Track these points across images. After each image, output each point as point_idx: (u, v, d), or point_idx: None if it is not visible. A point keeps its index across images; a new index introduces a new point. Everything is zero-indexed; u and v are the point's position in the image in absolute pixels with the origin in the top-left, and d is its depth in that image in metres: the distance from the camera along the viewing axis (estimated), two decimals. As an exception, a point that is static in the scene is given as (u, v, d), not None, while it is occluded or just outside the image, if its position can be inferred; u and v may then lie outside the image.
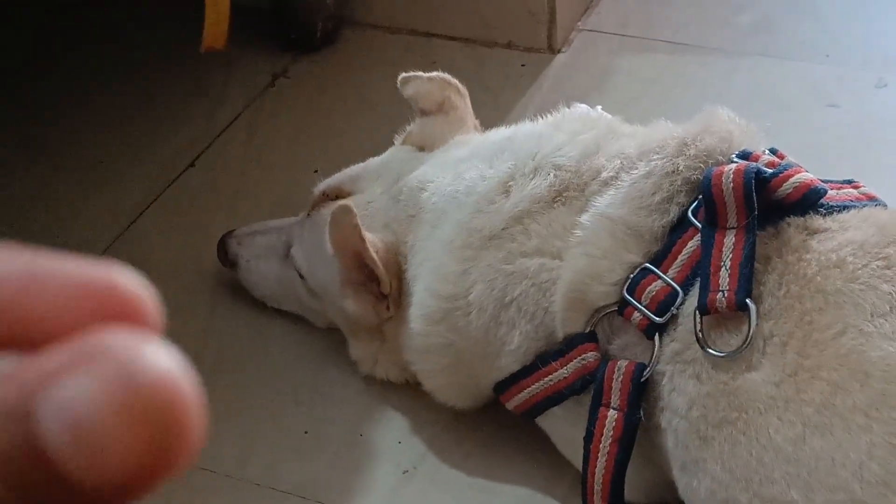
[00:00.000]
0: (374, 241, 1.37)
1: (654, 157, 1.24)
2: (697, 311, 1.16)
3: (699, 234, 1.19)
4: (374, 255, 1.36)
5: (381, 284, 1.39)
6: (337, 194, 1.50)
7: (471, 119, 1.54)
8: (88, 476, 0.26)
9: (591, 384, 1.24)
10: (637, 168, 1.25)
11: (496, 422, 1.42)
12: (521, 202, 1.30)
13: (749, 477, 1.10)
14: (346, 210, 1.34)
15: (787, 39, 2.08)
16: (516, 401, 1.33)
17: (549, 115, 1.44)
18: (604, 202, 1.25)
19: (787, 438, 1.08)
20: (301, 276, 1.52)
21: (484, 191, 1.34)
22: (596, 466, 1.22)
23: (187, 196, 1.88)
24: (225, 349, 1.60)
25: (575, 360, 1.25)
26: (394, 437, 1.46)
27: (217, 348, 1.60)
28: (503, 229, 1.31)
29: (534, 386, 1.30)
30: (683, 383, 1.17)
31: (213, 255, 1.74)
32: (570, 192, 1.29)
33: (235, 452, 1.45)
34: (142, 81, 2.15)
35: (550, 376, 1.28)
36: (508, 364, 1.32)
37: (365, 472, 1.42)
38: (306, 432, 1.47)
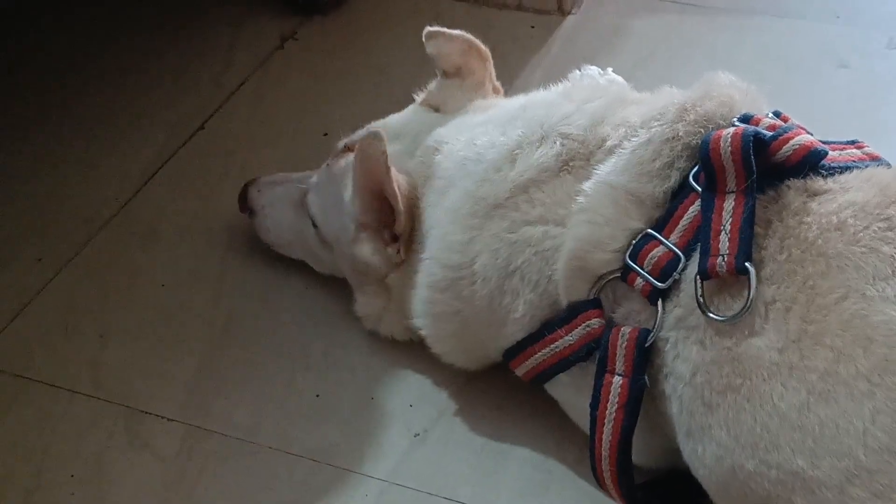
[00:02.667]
0: (397, 176, 1.38)
1: (654, 124, 1.24)
2: (698, 276, 1.15)
3: (700, 199, 1.18)
4: (396, 188, 1.37)
5: (396, 222, 1.40)
6: None
7: (490, 83, 1.54)
8: None
9: (596, 350, 1.24)
10: (638, 135, 1.24)
11: (508, 385, 1.43)
12: (527, 171, 1.30)
13: (754, 443, 1.10)
14: (377, 136, 1.35)
15: (797, 0, 2.07)
16: (524, 368, 1.34)
17: (561, 83, 1.43)
18: (605, 170, 1.24)
19: (792, 405, 1.08)
20: (314, 225, 1.53)
21: (492, 159, 1.34)
22: (603, 432, 1.22)
23: (197, 159, 1.88)
24: (236, 314, 1.60)
25: (580, 328, 1.26)
26: (405, 400, 1.46)
27: (228, 313, 1.60)
28: (508, 198, 1.31)
29: (540, 353, 1.30)
30: (687, 350, 1.17)
31: (224, 219, 1.74)
32: (577, 161, 1.29)
33: (248, 416, 1.45)
34: (150, 45, 2.14)
35: (556, 343, 1.28)
36: (514, 332, 1.32)
37: (377, 435, 1.42)
38: (318, 396, 1.48)
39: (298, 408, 1.46)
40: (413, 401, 1.46)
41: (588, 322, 1.25)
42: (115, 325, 1.60)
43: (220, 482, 1.38)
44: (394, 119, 1.55)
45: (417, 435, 1.42)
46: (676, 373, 1.18)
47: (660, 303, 1.19)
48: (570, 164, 1.29)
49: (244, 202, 1.65)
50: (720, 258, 1.14)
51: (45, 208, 1.81)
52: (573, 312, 1.26)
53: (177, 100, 1.99)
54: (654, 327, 1.20)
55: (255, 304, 1.62)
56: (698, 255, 1.16)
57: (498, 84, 1.56)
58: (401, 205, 1.39)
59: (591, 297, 1.24)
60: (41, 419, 1.48)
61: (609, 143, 1.28)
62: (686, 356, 1.17)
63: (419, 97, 1.57)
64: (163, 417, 1.46)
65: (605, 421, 1.22)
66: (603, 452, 1.23)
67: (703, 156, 1.17)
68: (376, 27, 2.12)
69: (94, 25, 2.19)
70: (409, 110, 1.55)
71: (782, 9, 2.05)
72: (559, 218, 1.27)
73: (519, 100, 1.46)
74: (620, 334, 1.21)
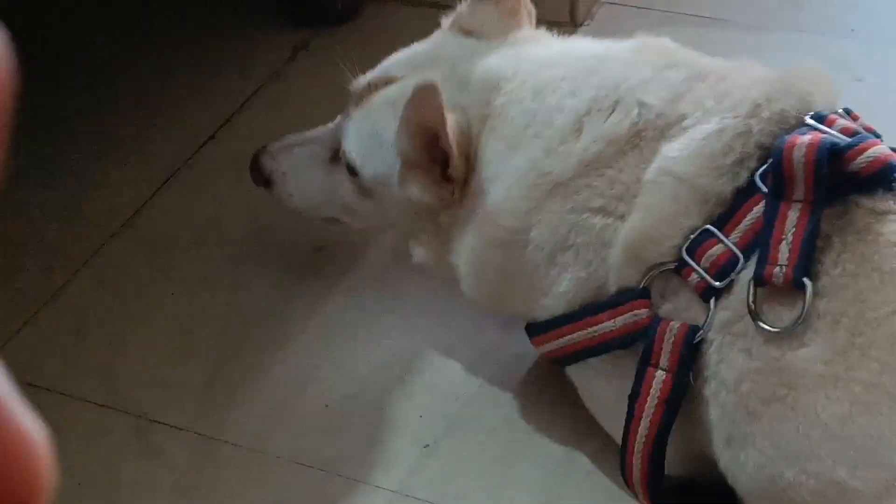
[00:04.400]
0: (451, 120, 1.28)
1: (728, 116, 1.20)
2: (752, 282, 1.14)
3: (764, 201, 1.16)
4: (452, 137, 1.28)
5: (451, 168, 1.31)
6: (388, 81, 1.41)
7: (524, 8, 1.44)
8: None
9: (637, 341, 1.22)
10: (710, 122, 1.21)
11: (519, 397, 1.42)
12: (593, 144, 1.25)
13: (796, 453, 1.10)
14: (433, 88, 1.25)
15: (813, 14, 2.06)
16: (553, 345, 1.31)
17: (627, 39, 1.37)
18: (674, 155, 1.20)
19: (835, 416, 1.08)
20: (353, 174, 1.42)
21: (560, 125, 1.27)
22: (639, 426, 1.20)
23: (208, 169, 1.88)
24: (247, 323, 1.60)
25: (626, 315, 1.23)
26: (415, 411, 1.46)
27: (239, 322, 1.60)
28: (571, 178, 1.26)
29: (576, 334, 1.27)
30: (733, 356, 1.15)
31: (235, 228, 1.74)
32: (649, 132, 1.24)
33: (259, 426, 1.45)
34: (162, 55, 2.14)
35: (596, 327, 1.25)
36: (553, 305, 1.29)
37: (386, 446, 1.42)
38: (327, 406, 1.47)
39: (309, 418, 1.46)
40: (422, 411, 1.46)
41: (636, 311, 1.22)
42: (126, 333, 1.60)
43: (231, 492, 1.38)
44: (420, 47, 1.45)
45: (427, 446, 1.42)
46: (720, 378, 1.17)
47: (712, 301, 1.17)
48: (642, 134, 1.24)
49: (259, 173, 1.53)
50: (778, 268, 1.12)
51: (56, 217, 1.81)
52: (621, 299, 1.23)
53: (189, 110, 1.99)
54: (703, 324, 1.17)
55: (266, 313, 1.61)
56: (755, 260, 1.14)
57: (532, 7, 1.45)
58: (456, 151, 1.29)
59: (642, 286, 1.22)
60: (52, 428, 1.46)
61: (686, 122, 1.22)
62: (731, 363, 1.15)
63: (445, 21, 1.46)
64: (174, 426, 1.46)
65: (644, 415, 1.20)
66: (636, 446, 1.21)
67: (775, 162, 1.14)
68: (388, 39, 2.11)
69: (107, 36, 2.19)
70: (438, 35, 1.45)
71: (798, 23, 2.05)
72: (620, 212, 1.23)
73: (593, 47, 1.37)
74: (669, 328, 1.19)
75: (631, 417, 1.21)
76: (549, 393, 1.45)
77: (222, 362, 1.54)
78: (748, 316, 1.14)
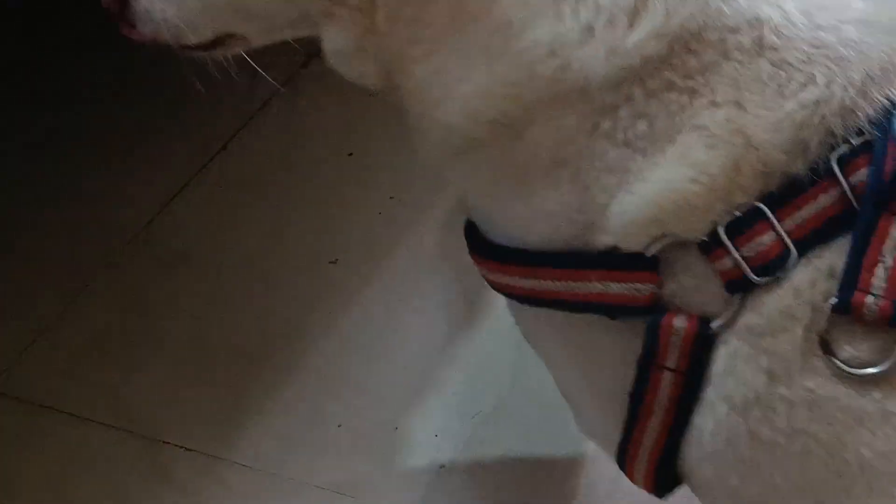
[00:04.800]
0: None
1: (822, 73, 0.95)
2: (832, 308, 0.94)
3: (835, 190, 0.94)
4: None
5: None
6: None
7: None
8: None
9: (619, 316, 1.00)
10: (801, 70, 0.95)
11: (536, 416, 1.40)
12: (650, 41, 0.95)
13: (820, 488, 1.04)
14: None
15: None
16: (510, 280, 1.05)
17: None
18: (758, 112, 0.95)
19: (879, 453, 1.00)
20: None
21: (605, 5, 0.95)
22: (645, 432, 1.04)
23: (220, 179, 1.86)
24: (259, 342, 1.58)
25: (623, 284, 1.00)
26: (430, 430, 1.44)
27: (251, 341, 1.58)
28: (601, 88, 0.97)
29: (549, 282, 1.03)
30: (749, 373, 0.98)
31: (247, 242, 1.72)
32: (737, 57, 0.96)
33: (272, 448, 1.43)
34: (172, 64, 2.12)
35: (579, 283, 1.01)
36: (528, 233, 1.03)
37: (401, 466, 1.40)
38: (340, 426, 1.45)
39: (323, 439, 1.44)
40: (438, 430, 1.43)
41: (638, 284, 0.99)
42: (137, 353, 1.58)
43: (243, 515, 1.36)
44: None
45: (443, 466, 1.39)
46: (723, 390, 1.00)
47: (738, 297, 0.97)
48: (730, 55, 0.96)
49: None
50: (871, 297, 0.93)
51: (66, 234, 1.80)
52: (620, 262, 1.00)
53: (199, 120, 1.98)
54: (720, 321, 0.97)
55: (279, 331, 1.59)
56: (814, 262, 0.94)
57: None
58: None
59: (651, 254, 0.98)
60: (61, 448, 1.46)
61: (793, 75, 0.96)
62: (743, 379, 0.98)
63: None
64: (184, 448, 1.44)
65: (651, 420, 1.03)
66: (642, 452, 1.05)
67: (878, 158, 0.94)
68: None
69: (116, 45, 2.17)
70: None
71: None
72: (643, 145, 0.98)
73: None
74: (674, 325, 0.98)
75: (634, 420, 1.04)
76: (567, 412, 1.42)
77: (233, 382, 1.52)
78: (788, 333, 0.96)
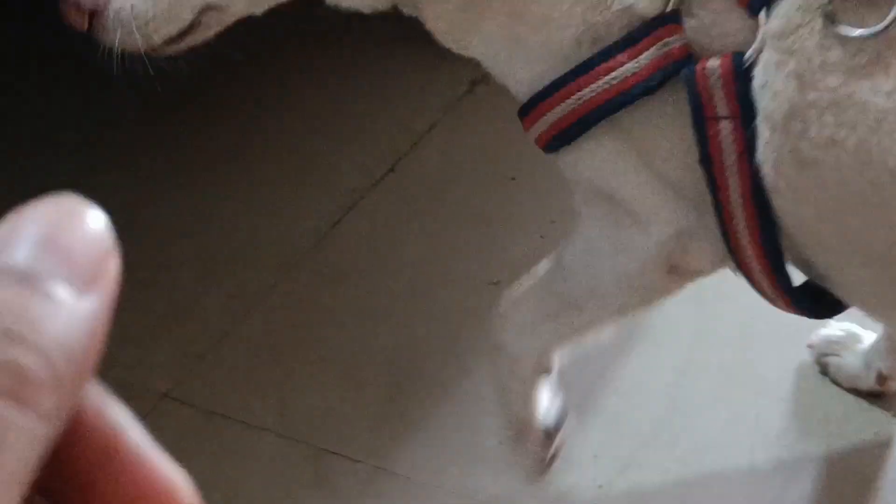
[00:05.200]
0: None
1: None
2: None
3: None
4: None
5: None
6: None
7: None
8: None
9: (668, 79, 0.98)
10: None
11: (693, 440, 1.39)
12: None
13: (860, 201, 0.95)
14: None
15: None
16: (557, 113, 1.04)
17: None
18: None
19: None
20: None
21: None
22: (729, 191, 0.99)
23: (387, 201, 1.90)
24: (419, 356, 1.61)
25: (652, 49, 0.98)
26: (589, 450, 1.44)
27: (411, 354, 1.61)
28: None
29: (588, 89, 1.00)
30: (780, 81, 0.95)
31: (411, 260, 1.75)
32: None
33: (431, 460, 1.45)
34: (340, 88, 2.18)
35: (614, 73, 0.99)
36: (554, 60, 1.04)
37: (559, 485, 1.40)
38: (500, 443, 1.46)
39: (480, 454, 1.45)
40: (597, 451, 1.44)
41: (665, 39, 0.98)
42: (303, 364, 1.62)
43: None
44: None
45: (601, 487, 1.39)
46: (763, 109, 0.96)
47: (762, 14, 0.95)
48: None
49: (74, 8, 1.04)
50: None
51: (238, 247, 1.85)
52: (642, 32, 0.99)
53: (368, 142, 2.02)
54: (752, 47, 0.95)
55: (438, 347, 1.62)
56: None
57: None
58: None
59: (670, 9, 0.98)
60: (229, 456, 1.50)
61: None
62: (777, 89, 0.95)
63: None
64: (348, 458, 1.47)
65: (728, 176, 0.98)
66: (734, 210, 1.00)
67: None
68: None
69: (287, 64, 2.24)
70: None
71: None
72: None
73: None
74: (708, 69, 0.96)
75: (715, 184, 0.99)
76: (726, 434, 1.41)
77: (394, 395, 1.55)
78: (805, 26, 0.94)
